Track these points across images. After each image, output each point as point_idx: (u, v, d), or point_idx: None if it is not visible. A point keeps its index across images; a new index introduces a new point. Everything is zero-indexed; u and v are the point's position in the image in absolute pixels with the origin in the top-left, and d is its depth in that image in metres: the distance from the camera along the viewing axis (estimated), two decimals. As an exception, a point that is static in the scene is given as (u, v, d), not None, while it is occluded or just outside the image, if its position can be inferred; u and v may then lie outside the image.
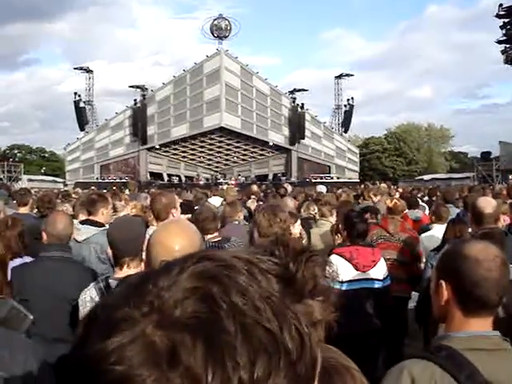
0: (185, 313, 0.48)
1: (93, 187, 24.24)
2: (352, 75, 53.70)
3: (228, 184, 32.73)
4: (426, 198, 12.79)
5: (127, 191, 15.13)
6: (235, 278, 0.51)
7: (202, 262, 0.53)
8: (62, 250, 3.69)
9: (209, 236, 4.63)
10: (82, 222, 4.80)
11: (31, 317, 2.09)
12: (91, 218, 4.84)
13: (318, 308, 0.54)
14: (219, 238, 4.74)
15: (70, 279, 3.48)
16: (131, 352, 0.46)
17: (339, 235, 5.75)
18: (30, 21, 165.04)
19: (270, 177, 47.39)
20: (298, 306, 0.53)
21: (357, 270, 4.50)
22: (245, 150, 49.06)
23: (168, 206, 4.31)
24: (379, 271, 4.62)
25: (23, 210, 6.81)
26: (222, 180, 42.46)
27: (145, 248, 2.07)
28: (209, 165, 49.71)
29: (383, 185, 15.89)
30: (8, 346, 1.73)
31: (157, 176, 47.12)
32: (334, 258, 4.44)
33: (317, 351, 0.53)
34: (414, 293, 5.64)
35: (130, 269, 2.82)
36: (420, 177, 54.04)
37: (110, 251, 2.99)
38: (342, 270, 4.23)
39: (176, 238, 1.83)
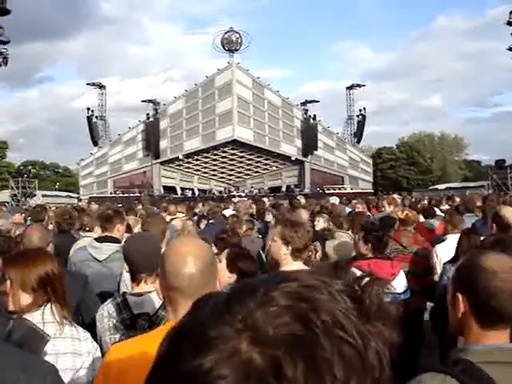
0: (280, 330, 0.49)
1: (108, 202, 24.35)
2: (364, 85, 53.92)
3: (241, 197, 32.71)
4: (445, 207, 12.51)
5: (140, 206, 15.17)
6: (320, 298, 0.53)
7: (286, 282, 0.54)
8: None
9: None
10: (99, 240, 4.62)
11: (49, 337, 2.04)
12: (108, 234, 4.71)
13: (383, 331, 0.55)
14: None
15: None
16: (228, 369, 0.47)
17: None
18: (45, 39, 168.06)
19: (284, 189, 47.32)
20: (368, 327, 0.54)
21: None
22: (257, 162, 49.09)
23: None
24: (398, 284, 4.56)
25: (38, 226, 6.91)
26: (235, 192, 42.45)
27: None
28: (222, 177, 49.79)
29: (395, 195, 15.79)
30: (24, 369, 1.64)
31: (170, 190, 47.25)
32: (352, 271, 4.40)
33: (389, 370, 0.54)
34: (428, 303, 5.60)
35: (147, 284, 2.83)
36: (434, 186, 53.63)
37: (126, 267, 3.00)
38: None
39: (190, 246, 1.88)
